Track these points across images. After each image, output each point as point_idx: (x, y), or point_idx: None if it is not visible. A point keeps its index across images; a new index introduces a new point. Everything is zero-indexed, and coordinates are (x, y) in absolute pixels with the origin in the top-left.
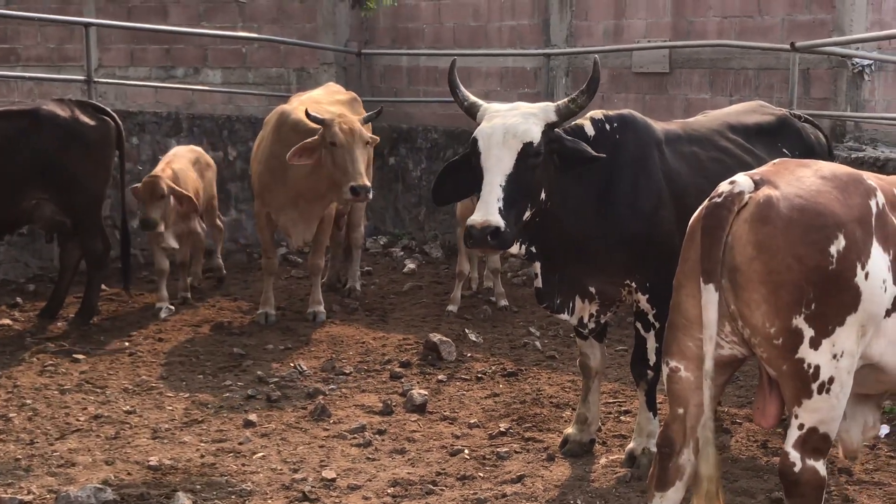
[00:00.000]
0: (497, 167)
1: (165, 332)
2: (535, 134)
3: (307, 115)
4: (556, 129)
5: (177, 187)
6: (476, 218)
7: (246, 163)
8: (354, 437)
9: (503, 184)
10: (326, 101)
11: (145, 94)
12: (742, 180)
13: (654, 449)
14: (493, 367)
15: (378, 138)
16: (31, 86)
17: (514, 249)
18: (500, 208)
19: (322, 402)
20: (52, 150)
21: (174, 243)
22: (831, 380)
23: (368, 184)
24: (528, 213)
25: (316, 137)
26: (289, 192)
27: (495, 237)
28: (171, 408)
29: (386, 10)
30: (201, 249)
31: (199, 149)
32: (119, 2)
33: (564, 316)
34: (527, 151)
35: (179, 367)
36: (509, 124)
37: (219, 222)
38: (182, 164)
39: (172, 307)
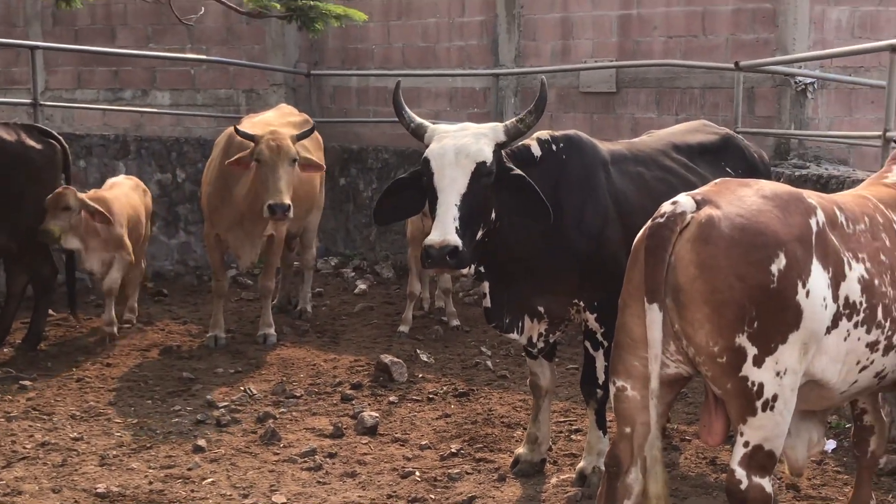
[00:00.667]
0: (451, 187)
1: (114, 357)
2: (487, 154)
3: (236, 130)
4: (505, 150)
5: (89, 201)
6: (434, 238)
7: (194, 185)
8: (305, 461)
9: (458, 203)
10: (278, 122)
11: (93, 116)
12: (684, 200)
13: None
14: (445, 388)
15: (314, 158)
16: None
17: (465, 269)
18: (456, 228)
19: (272, 425)
20: None
21: (94, 266)
22: (775, 397)
23: (287, 202)
24: (481, 233)
25: (247, 152)
26: (234, 212)
27: (454, 256)
28: (119, 434)
29: (335, 31)
30: (137, 281)
31: (135, 178)
32: (66, 24)
33: (514, 335)
34: (480, 171)
35: (128, 392)
36: (461, 144)
37: (143, 264)
38: (122, 190)
39: (134, 317)
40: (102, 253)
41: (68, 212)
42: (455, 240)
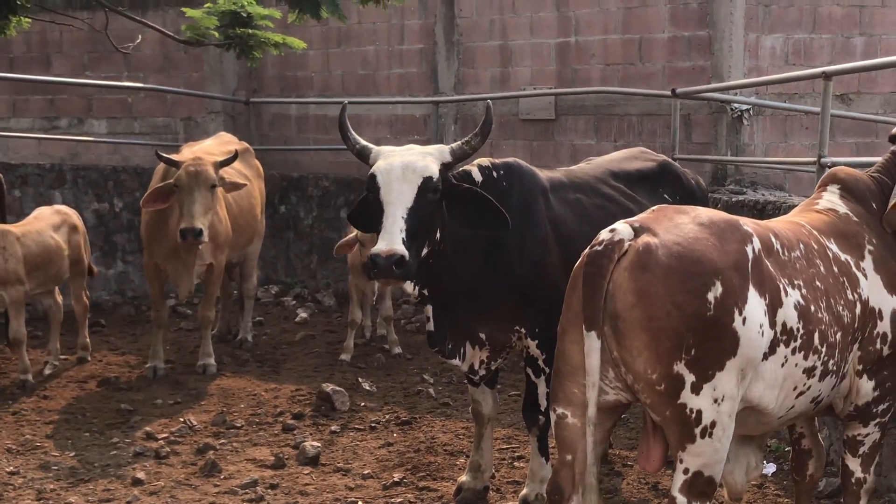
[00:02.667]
0: (398, 200)
1: (51, 390)
2: (433, 170)
3: (157, 155)
4: (448, 172)
5: None
6: (381, 247)
7: (132, 214)
8: (246, 493)
9: (405, 216)
10: (218, 150)
11: (28, 145)
12: (622, 228)
13: None
14: (387, 416)
15: (244, 183)
16: None
17: (409, 289)
18: (403, 239)
19: (212, 457)
20: None
21: None
22: (713, 424)
23: (198, 226)
24: (426, 250)
25: (168, 181)
26: (170, 241)
27: (400, 266)
28: (56, 467)
29: (274, 58)
30: (58, 321)
31: (66, 209)
32: (0, 52)
33: (456, 361)
34: (426, 186)
35: (65, 424)
36: (408, 160)
37: (84, 298)
38: (40, 225)
39: (57, 363)
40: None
41: None
42: (402, 249)
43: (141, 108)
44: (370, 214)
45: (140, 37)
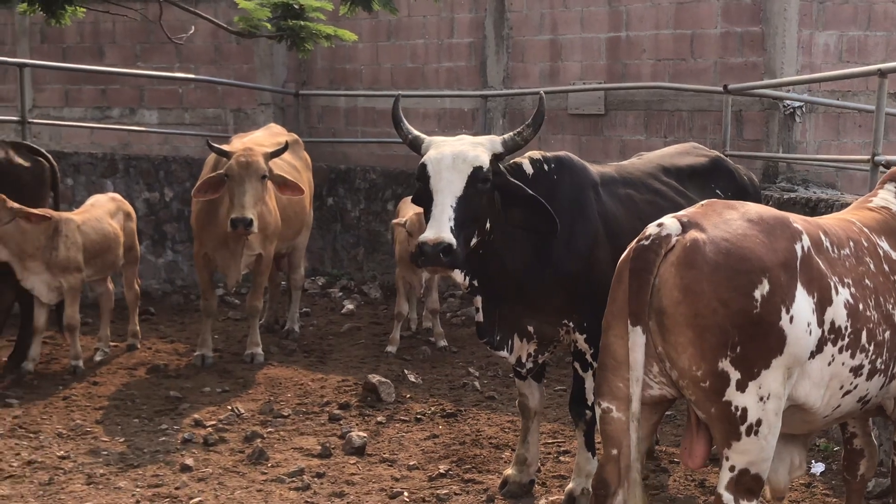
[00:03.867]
0: (448, 189)
1: (101, 376)
2: (484, 160)
3: (208, 145)
4: (500, 163)
5: (20, 206)
6: (428, 235)
7: (182, 204)
8: (293, 481)
9: (454, 205)
10: (267, 142)
11: (80, 134)
12: (669, 223)
13: None
14: (433, 408)
15: (290, 178)
16: None
17: (459, 279)
18: (451, 227)
19: (260, 445)
20: None
21: (35, 288)
22: (759, 422)
23: (248, 216)
24: (475, 240)
25: (218, 171)
26: (220, 231)
27: (447, 254)
28: (106, 453)
29: (324, 51)
30: (109, 308)
31: (119, 197)
32: (54, 42)
33: (504, 353)
34: (476, 176)
35: (115, 410)
36: (458, 150)
37: (136, 285)
38: (98, 212)
39: (107, 350)
40: (45, 275)
41: None
42: (449, 237)
43: (192, 99)
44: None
45: (193, 28)
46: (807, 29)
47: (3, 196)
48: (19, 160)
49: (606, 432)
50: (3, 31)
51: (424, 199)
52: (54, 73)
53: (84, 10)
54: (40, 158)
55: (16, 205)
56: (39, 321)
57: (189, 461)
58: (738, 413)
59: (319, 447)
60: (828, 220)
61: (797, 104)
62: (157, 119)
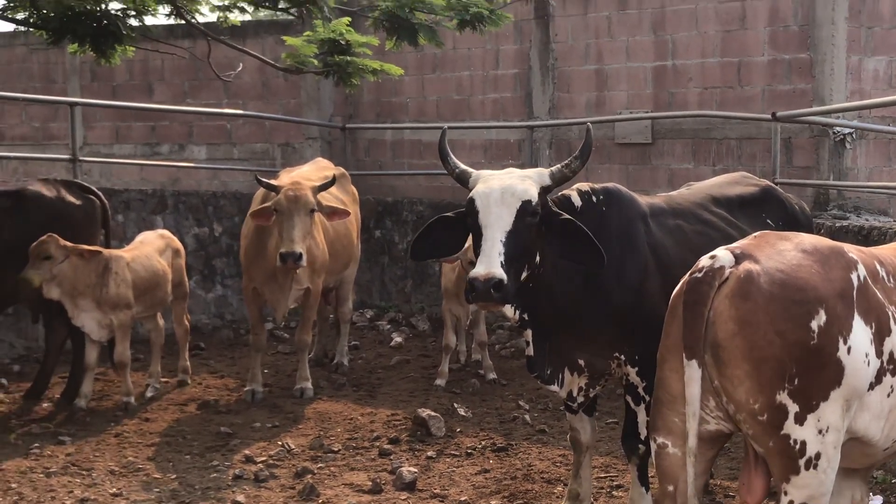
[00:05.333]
0: (497, 224)
1: (152, 412)
2: (532, 193)
3: (257, 179)
4: (548, 196)
5: (71, 244)
6: (479, 270)
7: (231, 238)
8: None
9: (503, 240)
10: (315, 176)
11: (130, 171)
12: (722, 255)
13: None
14: (483, 443)
15: (346, 211)
16: (17, 165)
17: (509, 313)
18: (501, 262)
19: (311, 481)
20: (38, 229)
21: (87, 325)
22: (818, 455)
23: (298, 250)
24: (525, 274)
25: (269, 203)
26: (268, 265)
27: (498, 290)
28: (158, 489)
29: (370, 84)
30: (159, 344)
31: (168, 233)
32: (104, 80)
33: (554, 387)
34: (525, 209)
35: (166, 447)
36: (507, 184)
37: (185, 321)
38: (147, 250)
39: (158, 385)
40: (96, 313)
41: (49, 261)
42: (500, 273)
43: (240, 135)
44: (442, 238)
45: (241, 64)
46: (855, 55)
47: (55, 236)
48: (71, 199)
49: (662, 468)
50: (54, 70)
51: (473, 233)
52: (104, 111)
53: (133, 49)
54: (91, 196)
55: (68, 243)
56: (90, 358)
57: (240, 498)
58: (797, 447)
59: (370, 483)
60: (882, 250)
61: (847, 131)
62: (205, 154)
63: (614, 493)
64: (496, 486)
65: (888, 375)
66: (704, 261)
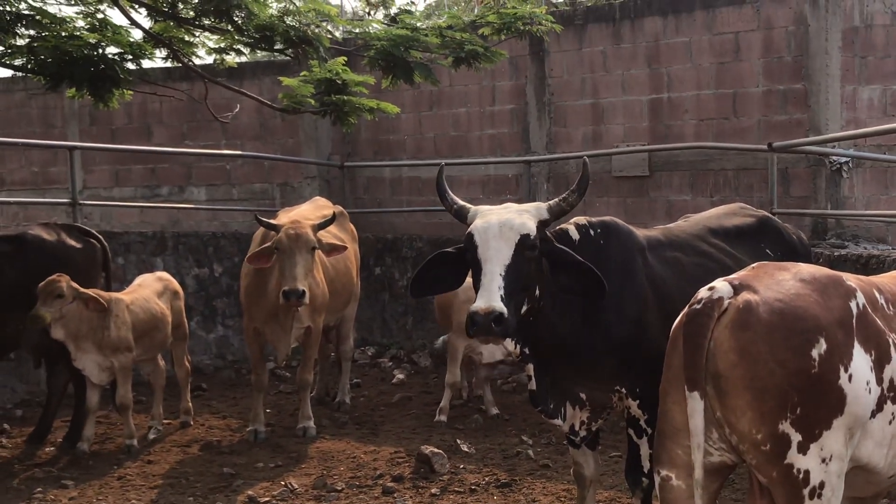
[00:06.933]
0: (496, 257)
1: (155, 454)
2: (531, 227)
3: (257, 219)
4: (546, 230)
5: (81, 289)
6: (480, 304)
7: (231, 279)
8: None
9: (503, 273)
10: (313, 215)
11: (130, 213)
12: (721, 286)
13: None
14: (487, 479)
15: (344, 246)
16: (17, 209)
17: (510, 346)
18: (501, 296)
19: None
20: (38, 274)
21: (87, 368)
22: (822, 484)
23: (300, 288)
24: (525, 307)
25: (270, 243)
26: (269, 304)
27: (499, 323)
28: None
29: (367, 122)
30: (160, 386)
31: (167, 276)
32: (102, 123)
33: (558, 421)
34: (524, 243)
35: (170, 489)
36: (505, 218)
37: (186, 362)
38: (146, 292)
39: (160, 427)
40: (96, 356)
41: (60, 299)
42: (500, 306)
43: (239, 175)
44: (441, 274)
45: (238, 106)
46: (850, 84)
47: (67, 276)
48: (72, 242)
49: (667, 500)
50: (52, 115)
51: (473, 268)
52: (104, 154)
53: (131, 92)
54: (92, 239)
55: (78, 287)
56: (92, 402)
57: None
58: (801, 476)
59: None
60: (881, 278)
61: (843, 160)
62: (205, 196)
63: None
64: None
65: (889, 403)
66: (703, 292)
